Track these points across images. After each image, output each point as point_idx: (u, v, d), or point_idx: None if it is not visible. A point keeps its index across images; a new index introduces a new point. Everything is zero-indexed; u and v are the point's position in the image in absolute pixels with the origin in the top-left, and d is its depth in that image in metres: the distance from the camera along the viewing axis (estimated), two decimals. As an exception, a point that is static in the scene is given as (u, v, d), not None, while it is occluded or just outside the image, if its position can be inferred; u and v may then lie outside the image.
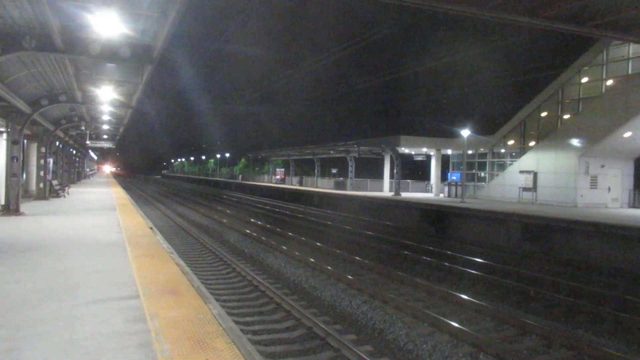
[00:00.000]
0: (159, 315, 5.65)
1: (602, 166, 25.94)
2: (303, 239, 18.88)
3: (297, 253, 15.52)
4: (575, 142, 25.76)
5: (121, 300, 6.24)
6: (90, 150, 66.83)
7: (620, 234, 15.50)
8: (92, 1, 8.34)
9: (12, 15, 9.55)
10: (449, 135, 35.35)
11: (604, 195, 26.04)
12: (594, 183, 25.81)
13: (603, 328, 9.43)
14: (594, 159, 25.57)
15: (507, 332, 8.96)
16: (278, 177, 60.04)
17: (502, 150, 32.50)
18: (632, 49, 24.28)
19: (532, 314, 10.16)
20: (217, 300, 8.08)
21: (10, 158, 16.68)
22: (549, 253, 17.41)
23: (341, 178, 46.08)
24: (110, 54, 10.69)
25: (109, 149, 64.16)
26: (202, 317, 5.69)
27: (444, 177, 37.11)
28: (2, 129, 18.06)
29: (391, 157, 36.44)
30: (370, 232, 21.67)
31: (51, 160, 27.37)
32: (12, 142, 16.83)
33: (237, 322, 7.89)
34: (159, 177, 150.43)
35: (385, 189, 39.19)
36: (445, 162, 37.74)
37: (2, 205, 16.67)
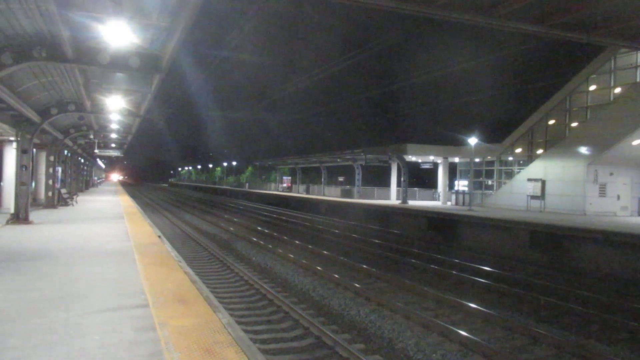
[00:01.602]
0: (168, 324, 5.64)
1: (611, 174, 25.76)
2: (310, 247, 18.85)
3: (304, 261, 15.49)
4: (583, 150, 25.63)
5: (130, 309, 6.24)
6: (98, 159, 67.25)
7: (631, 243, 15.34)
8: (103, 12, 8.43)
9: (23, 25, 9.66)
10: (457, 143, 35.29)
11: (613, 204, 25.84)
12: (602, 191, 25.63)
13: (615, 338, 9.32)
14: (602, 167, 25.41)
15: (517, 341, 8.88)
16: (285, 185, 60.13)
17: (510, 158, 32.39)
18: (640, 56, 24.21)
19: (542, 323, 10.06)
20: (225, 308, 8.07)
21: (20, 167, 16.80)
22: (557, 261, 17.27)
23: (348, 186, 46.06)
24: (119, 63, 10.77)
25: (117, 157, 64.59)
26: (211, 326, 5.67)
27: (451, 185, 36.98)
28: (12, 138, 18.22)
29: (398, 165, 36.39)
30: (377, 241, 21.60)
31: (60, 169, 27.54)
32: (22, 151, 16.97)
33: (245, 331, 7.87)
34: (166, 185, 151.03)
35: (393, 197, 39.11)
36: (452, 170, 37.64)
37: (11, 214, 16.76)
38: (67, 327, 5.45)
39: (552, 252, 17.74)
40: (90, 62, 10.75)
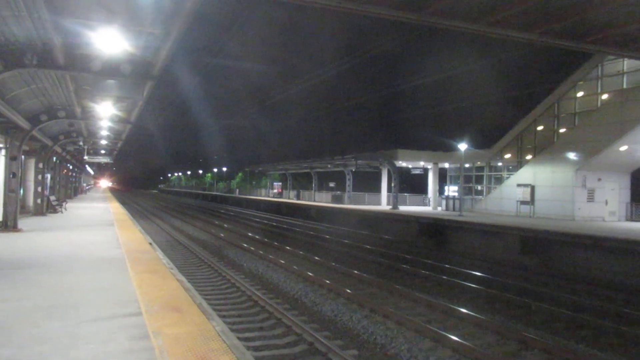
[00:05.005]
0: (162, 332, 5.63)
1: (599, 179, 26.04)
2: (301, 253, 18.84)
3: (295, 267, 15.48)
4: (572, 155, 25.90)
5: (124, 318, 6.21)
6: (87, 165, 66.70)
7: (619, 248, 15.52)
8: (95, 19, 8.42)
9: (14, 32, 9.62)
10: (447, 148, 35.51)
11: (601, 209, 26.11)
12: (591, 196, 25.89)
13: (605, 342, 9.42)
14: (591, 173, 25.69)
15: (509, 346, 8.94)
16: (275, 191, 60.11)
17: (499, 164, 32.62)
18: (627, 63, 24.53)
19: (533, 328, 10.14)
20: (218, 315, 8.05)
21: (9, 174, 16.64)
22: (547, 266, 17.41)
23: (339, 192, 46.12)
24: (111, 70, 10.76)
25: (106, 163, 64.12)
26: (205, 334, 5.67)
27: (441, 190, 37.16)
28: (1, 145, 18.06)
29: (389, 170, 36.51)
30: (368, 246, 21.65)
31: (49, 176, 27.32)
32: (11, 158, 16.82)
33: (238, 338, 7.85)
34: (155, 191, 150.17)
35: (383, 203, 39.20)
36: (442, 176, 37.84)
37: (-1, 222, 16.61)
38: (61, 337, 5.41)
39: (543, 257, 17.89)
40: (82, 69, 10.73)
